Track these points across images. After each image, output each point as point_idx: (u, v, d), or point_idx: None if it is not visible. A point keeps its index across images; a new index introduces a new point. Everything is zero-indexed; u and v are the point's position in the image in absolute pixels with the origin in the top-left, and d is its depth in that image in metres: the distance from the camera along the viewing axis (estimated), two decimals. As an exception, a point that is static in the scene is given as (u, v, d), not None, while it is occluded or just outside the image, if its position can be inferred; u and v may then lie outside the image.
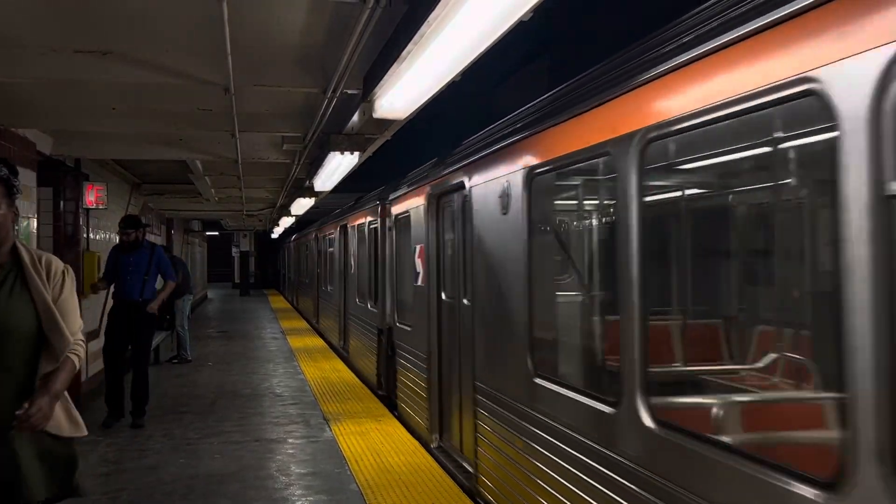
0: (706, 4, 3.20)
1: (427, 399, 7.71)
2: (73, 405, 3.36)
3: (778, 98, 2.64)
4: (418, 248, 7.93)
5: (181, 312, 13.83)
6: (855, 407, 2.29)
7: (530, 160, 4.79)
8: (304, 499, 6.08)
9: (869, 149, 2.26)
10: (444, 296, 7.32)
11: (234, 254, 42.45)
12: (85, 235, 10.27)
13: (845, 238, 2.33)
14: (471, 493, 6.04)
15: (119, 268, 9.00)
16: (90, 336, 9.22)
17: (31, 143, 7.80)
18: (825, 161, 2.52)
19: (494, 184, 5.40)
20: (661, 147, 3.45)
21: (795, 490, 2.48)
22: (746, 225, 4.07)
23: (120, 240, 9.25)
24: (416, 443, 7.67)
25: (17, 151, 7.34)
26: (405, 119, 5.91)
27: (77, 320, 3.37)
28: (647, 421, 3.36)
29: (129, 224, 9.20)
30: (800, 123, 3.07)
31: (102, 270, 9.47)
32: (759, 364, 3.75)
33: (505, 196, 5.18)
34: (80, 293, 8.98)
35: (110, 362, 8.91)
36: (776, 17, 2.66)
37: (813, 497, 2.42)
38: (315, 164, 9.77)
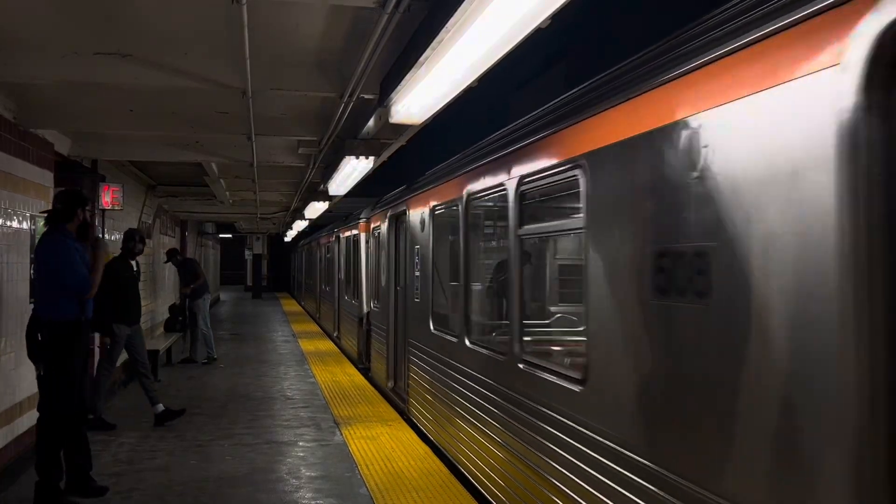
0: None
1: (386, 356, 10.71)
2: None
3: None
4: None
5: (202, 312, 13.80)
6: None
7: (431, 203, 7.71)
8: (314, 502, 6.09)
9: None
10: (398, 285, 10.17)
11: (247, 257, 42.62)
12: (100, 236, 10.31)
13: None
14: (405, 413, 9.21)
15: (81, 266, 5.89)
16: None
17: (49, 143, 7.86)
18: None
19: (418, 213, 8.32)
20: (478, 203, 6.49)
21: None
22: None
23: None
24: (427, 448, 7.68)
25: (36, 152, 7.40)
26: (421, 124, 5.94)
27: None
28: (468, 343, 6.50)
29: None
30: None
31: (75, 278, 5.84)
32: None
33: (423, 221, 8.11)
34: None
35: (71, 415, 5.94)
36: None
37: None
38: (330, 168, 9.81)
